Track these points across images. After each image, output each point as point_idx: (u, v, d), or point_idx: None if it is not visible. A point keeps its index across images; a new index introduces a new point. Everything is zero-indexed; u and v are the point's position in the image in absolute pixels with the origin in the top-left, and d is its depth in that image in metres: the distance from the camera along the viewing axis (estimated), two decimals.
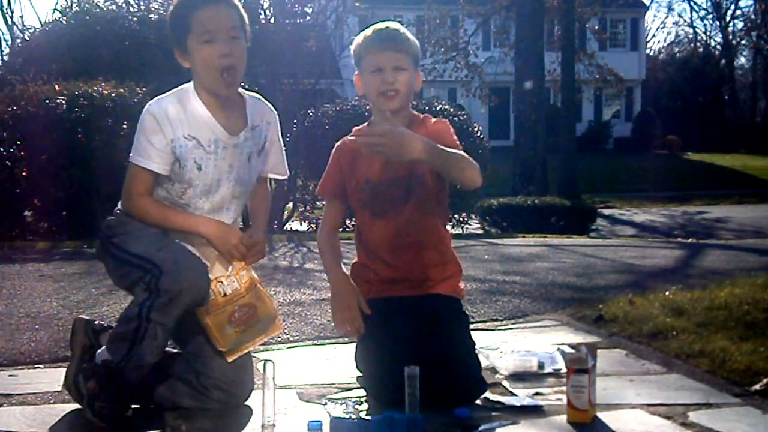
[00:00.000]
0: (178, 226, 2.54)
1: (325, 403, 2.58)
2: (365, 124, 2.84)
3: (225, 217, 2.62)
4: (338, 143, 2.87)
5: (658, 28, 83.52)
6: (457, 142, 2.71)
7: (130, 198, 2.53)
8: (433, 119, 2.78)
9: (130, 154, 2.53)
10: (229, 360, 2.53)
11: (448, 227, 2.91)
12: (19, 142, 8.25)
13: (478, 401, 2.56)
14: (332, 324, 3.82)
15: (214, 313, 2.48)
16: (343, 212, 2.94)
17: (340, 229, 2.97)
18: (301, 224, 11.02)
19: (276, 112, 2.77)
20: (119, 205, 2.61)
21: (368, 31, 2.75)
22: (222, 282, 2.49)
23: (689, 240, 9.85)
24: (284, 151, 2.80)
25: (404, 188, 2.69)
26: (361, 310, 2.69)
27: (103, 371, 2.44)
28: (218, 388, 2.50)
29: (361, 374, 2.71)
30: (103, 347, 2.53)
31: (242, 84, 2.66)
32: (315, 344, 3.51)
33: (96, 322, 2.65)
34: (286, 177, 2.87)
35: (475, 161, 2.60)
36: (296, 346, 3.50)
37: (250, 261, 2.58)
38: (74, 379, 2.50)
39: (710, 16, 49.71)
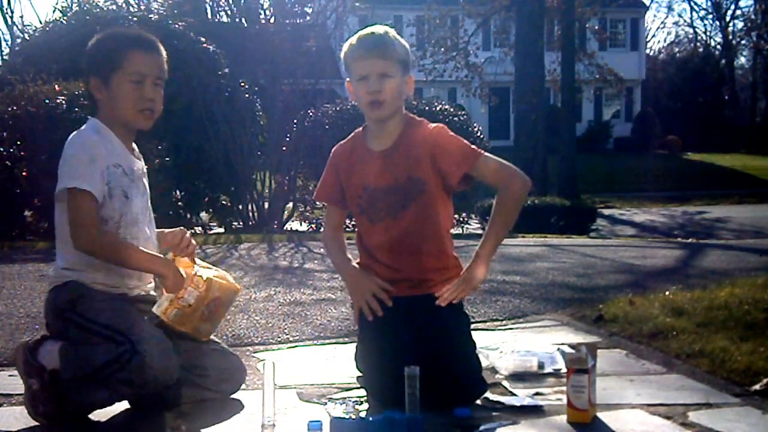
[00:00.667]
0: (138, 265, 2.54)
1: (325, 403, 2.58)
2: (360, 129, 2.82)
3: (153, 247, 2.65)
4: (335, 148, 2.86)
5: (658, 28, 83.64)
6: (460, 142, 2.68)
7: (90, 231, 2.44)
8: (431, 124, 2.75)
9: (66, 185, 2.45)
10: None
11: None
12: (19, 142, 8.25)
13: (478, 401, 2.56)
14: (332, 324, 3.84)
15: (186, 322, 2.54)
16: (344, 213, 2.94)
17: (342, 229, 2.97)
18: (301, 224, 11.02)
19: None
20: (65, 256, 2.54)
21: (354, 38, 2.71)
22: (183, 297, 2.53)
23: (689, 240, 9.85)
24: None
25: (402, 194, 2.67)
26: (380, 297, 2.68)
27: (47, 374, 2.47)
28: (221, 381, 2.59)
29: (361, 374, 2.71)
30: (49, 348, 2.53)
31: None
32: (315, 344, 3.51)
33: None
34: None
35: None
36: (296, 346, 3.50)
37: (191, 256, 2.66)
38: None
39: (710, 16, 49.78)
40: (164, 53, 2.64)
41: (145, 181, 2.71)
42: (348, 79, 2.73)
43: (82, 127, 2.60)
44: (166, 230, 2.74)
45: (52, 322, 2.57)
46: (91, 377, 2.39)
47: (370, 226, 2.73)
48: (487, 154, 2.70)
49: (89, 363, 2.39)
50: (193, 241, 2.70)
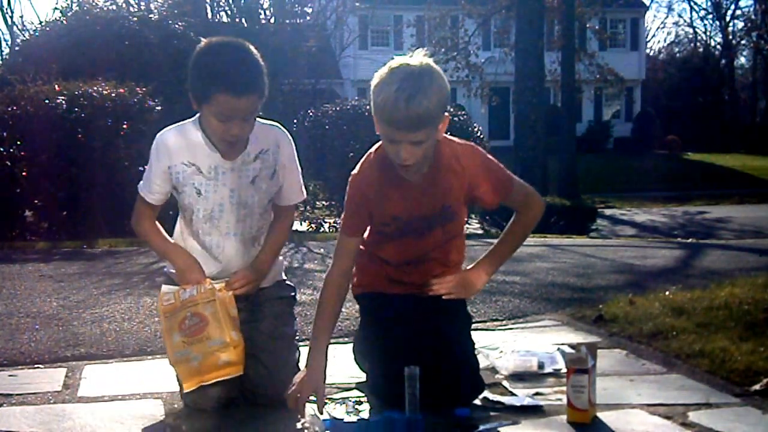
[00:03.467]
0: (160, 252, 2.74)
1: (326, 403, 2.58)
2: (383, 152, 2.53)
3: (231, 243, 2.65)
4: (357, 179, 2.58)
5: (658, 28, 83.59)
6: (497, 168, 2.61)
7: (136, 221, 2.75)
8: (458, 142, 2.59)
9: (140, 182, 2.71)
10: (186, 389, 2.50)
11: None
12: (19, 142, 8.24)
13: (478, 401, 2.56)
14: None
15: (170, 316, 2.53)
16: (359, 245, 2.70)
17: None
18: (301, 224, 11.01)
19: (291, 138, 2.75)
20: None
21: (388, 86, 2.33)
22: (185, 289, 2.55)
23: (689, 240, 9.85)
24: (300, 175, 2.78)
25: (431, 220, 2.61)
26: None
27: None
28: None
29: (360, 371, 2.70)
30: None
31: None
32: None
33: None
34: (301, 200, 2.91)
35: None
36: None
37: (233, 288, 2.59)
38: None
39: (710, 16, 49.72)
40: (261, 88, 2.48)
41: (246, 173, 2.62)
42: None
43: (179, 123, 2.66)
44: (257, 261, 2.67)
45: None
46: None
47: (389, 240, 2.65)
48: (514, 177, 2.67)
49: None
50: (245, 289, 2.60)
